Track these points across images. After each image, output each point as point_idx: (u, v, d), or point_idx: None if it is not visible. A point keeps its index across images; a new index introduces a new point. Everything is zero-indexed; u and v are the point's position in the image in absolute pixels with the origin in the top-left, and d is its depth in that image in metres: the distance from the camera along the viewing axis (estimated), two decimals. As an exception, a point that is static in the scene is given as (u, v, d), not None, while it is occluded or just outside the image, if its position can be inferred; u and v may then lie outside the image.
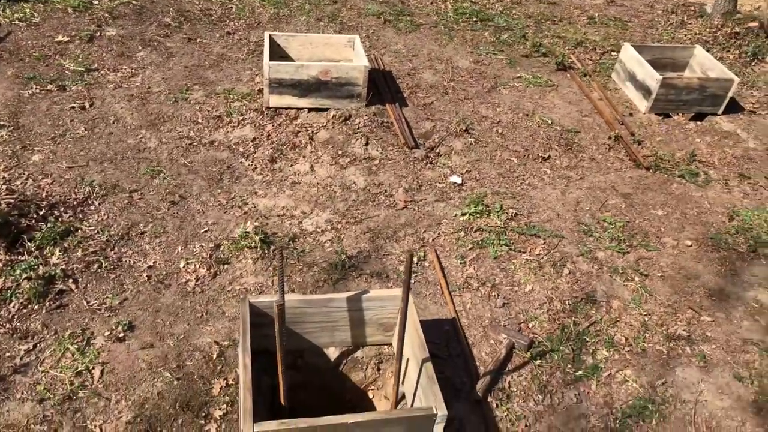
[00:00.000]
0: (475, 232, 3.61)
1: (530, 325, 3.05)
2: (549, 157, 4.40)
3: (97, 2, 5.72)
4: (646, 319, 3.16)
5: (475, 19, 6.58)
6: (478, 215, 3.72)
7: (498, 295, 3.19)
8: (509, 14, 6.83)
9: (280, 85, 4.40)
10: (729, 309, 3.30)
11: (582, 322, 3.09)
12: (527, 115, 4.88)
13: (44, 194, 3.46)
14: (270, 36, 4.76)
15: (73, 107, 4.26)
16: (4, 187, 3.41)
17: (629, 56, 5.28)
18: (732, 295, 3.40)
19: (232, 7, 6.10)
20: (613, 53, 6.11)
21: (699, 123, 5.04)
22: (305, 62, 4.46)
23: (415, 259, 3.33)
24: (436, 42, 5.95)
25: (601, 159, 4.47)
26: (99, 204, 3.49)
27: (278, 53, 4.80)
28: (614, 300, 3.26)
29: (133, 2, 5.83)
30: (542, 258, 3.47)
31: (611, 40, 6.41)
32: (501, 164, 4.29)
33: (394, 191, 3.90)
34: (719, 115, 5.13)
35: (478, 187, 4.02)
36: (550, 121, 4.80)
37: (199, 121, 4.34)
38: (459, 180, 4.05)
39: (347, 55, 4.99)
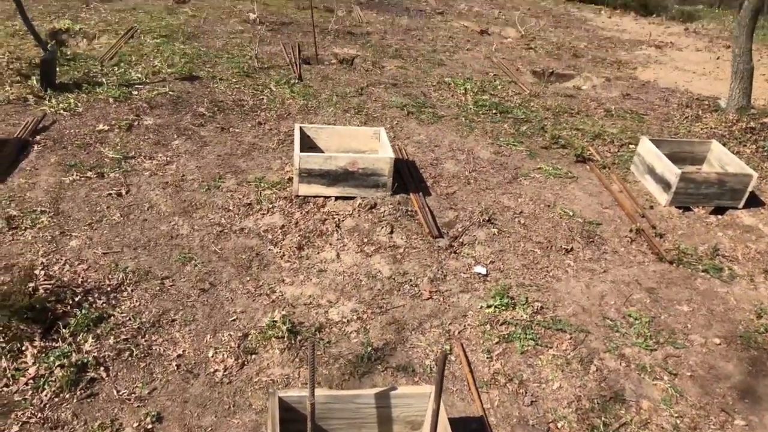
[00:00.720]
0: (501, 325, 3.62)
1: (559, 425, 3.01)
2: (572, 249, 4.45)
3: (136, 93, 6.03)
4: (678, 421, 3.10)
5: (494, 111, 6.81)
6: (503, 308, 3.74)
7: (526, 392, 3.17)
8: (528, 107, 7.07)
9: (309, 175, 4.55)
10: (762, 412, 3.24)
11: (612, 423, 3.04)
12: (549, 206, 4.97)
13: (80, 280, 3.55)
14: (300, 128, 4.96)
15: (110, 194, 4.42)
16: (42, 272, 3.51)
17: (647, 149, 5.42)
18: (765, 398, 3.34)
19: (263, 98, 6.39)
20: (630, 146, 6.26)
21: (720, 217, 5.09)
22: (333, 153, 4.63)
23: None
24: (458, 133, 6.14)
25: (623, 252, 4.51)
26: (132, 290, 3.57)
27: (307, 144, 5.00)
28: (644, 400, 3.21)
29: (170, 93, 6.13)
30: (569, 354, 3.46)
31: (629, 133, 6.58)
32: (524, 255, 4.34)
33: (419, 281, 3.95)
34: (740, 209, 5.18)
35: (502, 279, 4.06)
36: (571, 213, 4.88)
37: (231, 208, 4.48)
38: (483, 271, 4.09)
39: (373, 146, 5.17)
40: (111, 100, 5.81)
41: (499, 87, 7.73)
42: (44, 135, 5.08)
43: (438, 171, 5.34)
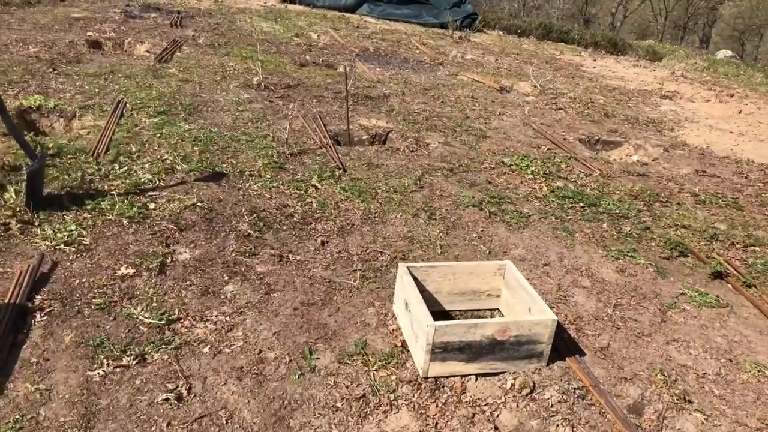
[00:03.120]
0: None
1: None
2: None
3: (154, 206, 4.59)
4: None
5: (581, 204, 5.71)
6: None
7: None
8: (610, 195, 6.05)
9: (444, 350, 3.26)
10: None
11: None
12: (730, 360, 3.84)
13: None
14: (407, 269, 3.67)
15: (167, 399, 2.98)
16: None
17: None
18: None
19: (311, 202, 5.06)
20: (753, 248, 5.25)
21: None
22: (480, 320, 3.35)
23: None
24: (559, 241, 4.98)
25: None
26: None
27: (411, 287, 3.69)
28: None
29: (198, 204, 4.71)
30: None
31: (740, 230, 5.59)
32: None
33: None
34: None
35: None
36: (766, 372, 3.76)
37: (339, 406, 3.12)
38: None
39: (496, 285, 3.93)
40: (125, 221, 4.35)
41: (563, 166, 6.66)
42: (47, 292, 3.59)
43: (572, 311, 4.13)
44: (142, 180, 4.99)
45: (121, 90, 7.02)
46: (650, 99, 11.40)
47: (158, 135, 5.91)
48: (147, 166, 5.26)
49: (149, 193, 4.82)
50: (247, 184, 5.23)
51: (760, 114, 10.89)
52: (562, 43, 20.73)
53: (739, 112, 10.82)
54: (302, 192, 5.24)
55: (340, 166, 5.82)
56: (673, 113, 10.18)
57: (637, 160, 7.60)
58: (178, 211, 4.59)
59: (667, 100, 11.41)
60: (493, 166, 6.43)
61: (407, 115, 7.73)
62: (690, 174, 6.96)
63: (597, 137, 8.05)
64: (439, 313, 3.81)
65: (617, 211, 5.67)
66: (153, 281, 3.80)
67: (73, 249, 3.98)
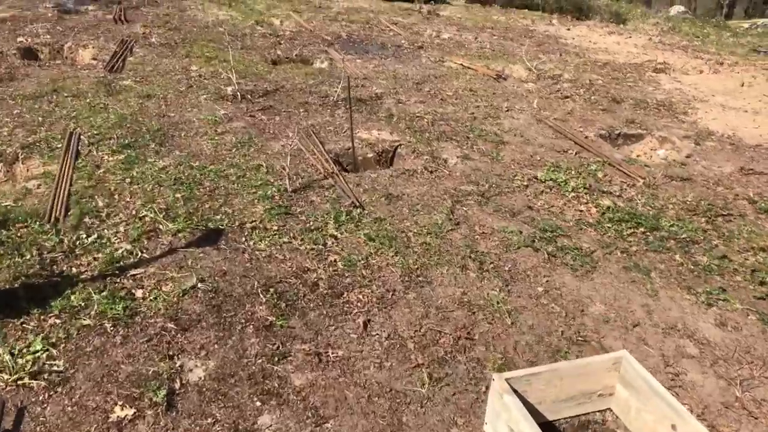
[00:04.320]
0: None
1: None
2: None
3: (141, 293, 3.51)
4: None
5: (641, 229, 4.87)
6: None
7: None
8: (664, 210, 5.25)
9: None
10: None
11: None
12: None
13: None
14: (509, 384, 2.74)
15: None
16: None
17: None
18: None
19: (335, 260, 4.06)
20: None
21: None
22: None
23: None
24: (637, 287, 4.15)
25: None
26: None
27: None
28: None
29: (199, 286, 3.65)
30: None
31: (824, 247, 4.86)
32: None
33: None
34: None
35: None
36: None
37: None
38: None
39: (609, 382, 3.05)
40: (108, 326, 3.26)
41: (600, 175, 5.83)
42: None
43: (695, 396, 3.30)
44: (120, 252, 3.88)
45: (71, 116, 5.78)
46: (645, 75, 10.66)
47: (128, 179, 4.75)
48: (122, 228, 4.14)
49: (132, 272, 3.73)
50: (252, 243, 4.18)
51: (761, 86, 10.28)
52: (526, 10, 19.94)
53: (741, 85, 10.17)
54: (321, 246, 4.22)
55: (356, 203, 4.80)
56: (679, 92, 9.44)
57: (666, 157, 6.82)
58: (174, 298, 3.52)
59: (664, 75, 10.68)
60: (525, 183, 5.51)
61: (409, 121, 6.72)
62: (735, 173, 6.20)
63: (618, 131, 7.23)
64: (541, 425, 2.91)
65: (683, 235, 4.86)
66: (163, 424, 2.76)
67: (44, 383, 2.89)
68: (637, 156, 7.06)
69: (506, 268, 4.23)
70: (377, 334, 3.50)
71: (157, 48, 8.32)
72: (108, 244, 3.96)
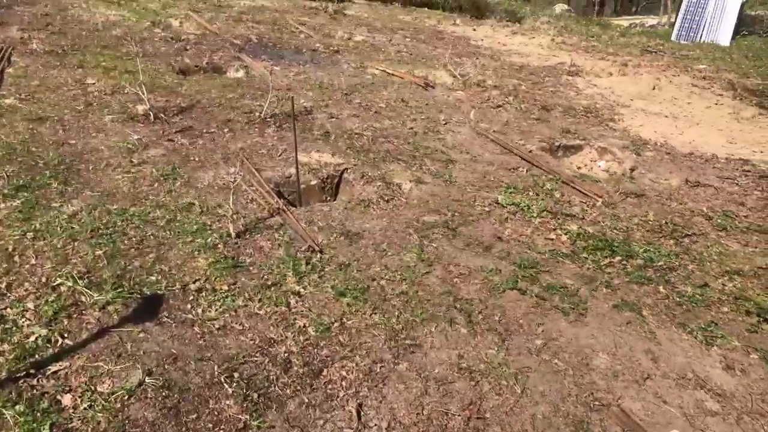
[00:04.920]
0: None
1: None
2: None
3: (71, 400, 2.71)
4: None
5: (617, 257, 4.61)
6: None
7: None
8: (629, 231, 5.06)
9: None
10: None
11: None
12: None
13: None
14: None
15: None
16: None
17: None
18: None
19: (304, 326, 3.44)
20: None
21: None
22: None
23: None
24: (633, 329, 3.87)
25: None
26: None
27: None
28: None
29: (148, 382, 2.89)
30: None
31: (788, 265, 4.81)
32: None
33: None
34: None
35: None
36: None
37: None
38: None
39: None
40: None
41: (558, 195, 5.55)
42: None
43: (732, 463, 2.99)
44: (32, 340, 3.02)
45: (-57, 149, 4.67)
46: (561, 78, 10.69)
47: (30, 233, 3.83)
48: (31, 304, 3.26)
49: (53, 368, 2.88)
50: (200, 310, 3.44)
51: (670, 88, 10.60)
52: (427, 8, 19.90)
53: (653, 89, 10.42)
54: (284, 308, 3.56)
55: (314, 246, 4.15)
56: (600, 96, 9.50)
57: (608, 168, 6.70)
58: (117, 404, 2.73)
59: (579, 78, 10.75)
60: (487, 208, 5.10)
61: (348, 139, 6.12)
62: (682, 186, 6.15)
63: (557, 143, 7.02)
64: None
65: (659, 262, 4.64)
66: None
67: None
68: (578, 168, 6.90)
69: (497, 318, 3.77)
70: (375, 424, 2.91)
71: (41, 56, 7.13)
72: (14, 329, 3.08)
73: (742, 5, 19.96)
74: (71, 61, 7.13)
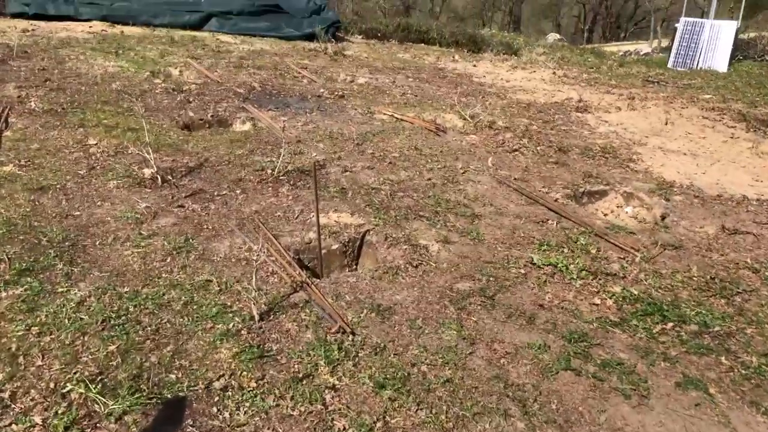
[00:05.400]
0: None
1: None
2: None
3: None
4: None
5: (670, 323, 4.27)
6: None
7: None
8: (674, 290, 4.76)
9: None
10: None
11: None
12: None
13: None
14: None
15: None
16: None
17: None
18: None
19: (344, 430, 3.04)
20: None
21: None
22: None
23: None
24: (704, 412, 3.53)
25: None
26: None
27: None
28: None
29: None
30: None
31: None
32: None
33: None
34: None
35: None
36: None
37: None
38: None
39: None
40: None
41: (593, 250, 5.23)
42: None
43: None
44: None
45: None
46: (571, 115, 10.47)
47: (35, 328, 3.46)
48: (38, 418, 2.88)
49: (66, 503, 2.48)
50: (228, 414, 3.06)
51: (682, 122, 10.39)
52: (423, 44, 19.86)
53: (665, 124, 10.20)
54: (319, 407, 3.19)
55: (345, 327, 3.79)
56: (614, 135, 9.26)
57: (635, 215, 6.40)
58: None
59: (589, 115, 10.54)
60: (523, 271, 4.76)
61: (365, 195, 5.81)
62: (719, 235, 5.83)
63: (581, 189, 6.72)
64: None
65: (714, 326, 4.30)
66: None
67: None
68: (604, 215, 6.60)
69: (554, 407, 3.40)
70: None
71: (40, 116, 6.83)
72: (21, 451, 2.68)
73: (737, 30, 20.00)
74: (71, 120, 6.83)
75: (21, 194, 5.00)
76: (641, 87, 14.10)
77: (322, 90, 10.00)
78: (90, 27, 13.11)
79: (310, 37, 15.34)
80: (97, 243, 4.45)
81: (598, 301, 4.49)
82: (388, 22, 21.11)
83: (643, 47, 31.97)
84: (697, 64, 20.30)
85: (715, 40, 20.86)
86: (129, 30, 13.33)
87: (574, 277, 4.77)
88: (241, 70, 10.71)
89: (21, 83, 7.99)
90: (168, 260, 4.36)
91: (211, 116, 7.62)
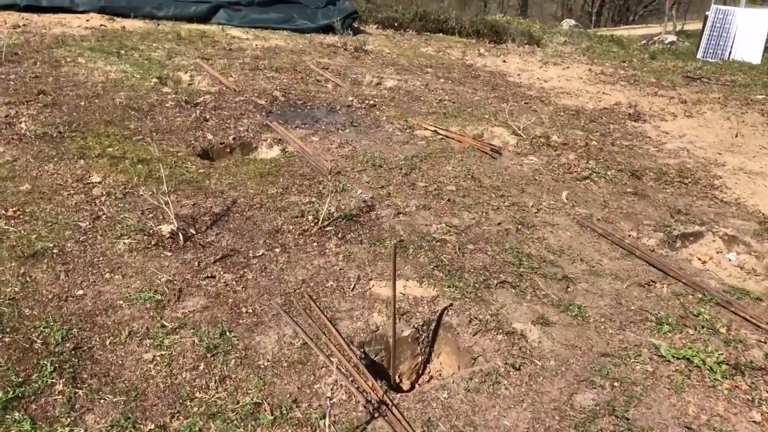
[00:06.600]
0: None
1: None
2: None
3: None
4: None
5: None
6: None
7: None
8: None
9: None
10: None
11: None
12: None
13: None
14: None
15: None
16: None
17: None
18: None
19: None
20: None
21: None
22: None
23: None
24: None
25: None
26: None
27: None
28: None
29: None
30: None
31: None
32: None
33: None
34: None
35: None
36: None
37: None
38: None
39: None
40: None
41: (719, 327, 4.18)
42: None
43: None
44: None
45: None
46: (627, 125, 9.39)
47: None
48: None
49: None
50: None
51: (749, 132, 9.31)
52: (441, 34, 18.74)
53: (735, 136, 9.10)
54: None
55: (451, 483, 2.72)
56: (685, 152, 8.19)
57: (741, 265, 5.35)
58: None
59: (647, 126, 9.44)
60: (650, 367, 3.73)
61: (429, 250, 4.75)
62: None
63: (675, 232, 5.65)
64: None
65: None
66: None
67: None
68: (703, 262, 5.53)
69: None
70: None
71: (32, 143, 5.72)
72: None
73: (769, 19, 18.87)
74: (69, 147, 5.72)
75: (8, 264, 3.91)
76: (685, 86, 13.01)
77: (350, 98, 8.87)
78: (87, 21, 11.90)
79: (326, 30, 14.17)
80: (108, 343, 3.38)
81: (758, 418, 3.44)
82: (404, 11, 19.84)
83: (656, 29, 30.75)
84: (729, 55, 19.20)
85: (748, 30, 19.73)
86: (130, 24, 12.13)
87: (716, 375, 3.72)
88: (257, 73, 9.56)
89: (10, 97, 6.86)
90: (201, 368, 3.29)
91: (233, 139, 6.52)
